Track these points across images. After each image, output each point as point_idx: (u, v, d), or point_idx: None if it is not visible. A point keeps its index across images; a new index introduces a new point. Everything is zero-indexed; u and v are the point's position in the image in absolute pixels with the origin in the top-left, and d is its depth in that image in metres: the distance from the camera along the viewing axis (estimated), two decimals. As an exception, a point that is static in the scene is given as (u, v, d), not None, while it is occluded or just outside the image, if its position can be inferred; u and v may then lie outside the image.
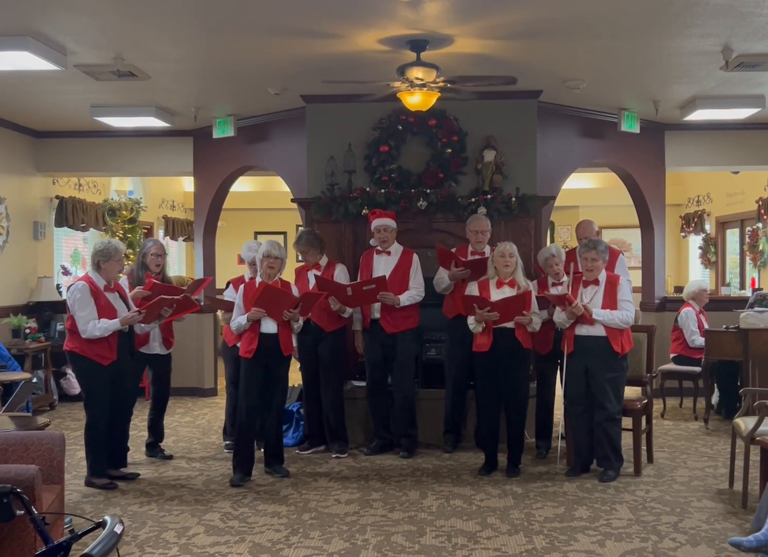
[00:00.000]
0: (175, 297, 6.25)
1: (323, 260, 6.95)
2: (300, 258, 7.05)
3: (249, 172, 10.00)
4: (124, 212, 10.47)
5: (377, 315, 6.83)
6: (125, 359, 6.12)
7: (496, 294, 6.19)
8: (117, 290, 6.14)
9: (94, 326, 5.85)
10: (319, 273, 6.82)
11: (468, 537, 4.89)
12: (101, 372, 5.94)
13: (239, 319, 6.11)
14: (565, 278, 6.49)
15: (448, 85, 6.24)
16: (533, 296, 6.24)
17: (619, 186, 10.18)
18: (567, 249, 7.49)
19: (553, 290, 6.52)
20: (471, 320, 6.20)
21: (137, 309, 6.07)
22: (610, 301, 6.03)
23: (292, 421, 7.31)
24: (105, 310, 5.93)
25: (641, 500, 5.62)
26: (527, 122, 7.89)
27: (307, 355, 6.90)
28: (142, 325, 6.26)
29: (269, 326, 6.07)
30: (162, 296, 6.16)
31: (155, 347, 6.77)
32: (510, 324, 6.12)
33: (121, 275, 6.66)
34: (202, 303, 9.20)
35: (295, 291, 6.28)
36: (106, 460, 6.09)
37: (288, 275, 6.44)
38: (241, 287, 6.28)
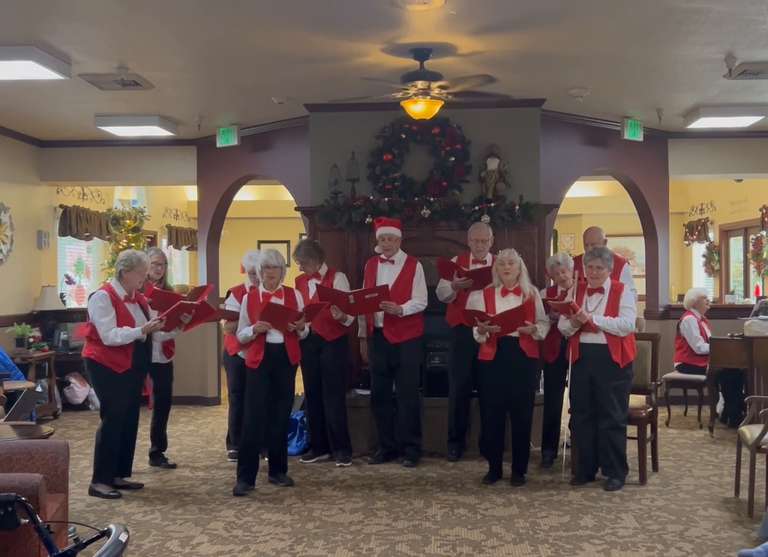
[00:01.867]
0: (194, 302, 6.29)
1: (323, 270, 6.94)
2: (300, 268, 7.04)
3: (252, 181, 10.02)
4: (127, 221, 10.48)
5: (380, 324, 6.82)
6: (140, 368, 6.15)
7: (501, 302, 6.18)
8: (138, 301, 6.17)
9: (116, 333, 5.88)
10: (319, 282, 6.81)
11: (473, 546, 4.87)
12: (116, 380, 5.96)
13: (245, 330, 6.10)
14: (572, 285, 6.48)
15: (450, 96, 6.24)
16: (540, 303, 6.23)
17: (622, 194, 10.18)
18: (573, 257, 7.48)
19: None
20: (475, 331, 6.19)
21: (158, 317, 6.09)
22: (614, 309, 6.01)
23: (296, 430, 7.30)
24: (124, 319, 5.97)
25: (647, 509, 5.60)
26: (530, 131, 7.89)
27: (309, 364, 6.87)
28: (162, 333, 6.29)
29: (275, 336, 6.07)
30: (182, 302, 6.19)
31: (155, 356, 6.75)
32: (514, 334, 6.11)
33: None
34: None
35: (298, 297, 6.27)
36: (115, 468, 6.09)
37: (288, 283, 6.42)
38: (245, 297, 6.27)
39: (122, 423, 6.05)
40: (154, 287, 6.67)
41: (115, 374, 5.95)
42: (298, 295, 6.33)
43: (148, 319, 6.17)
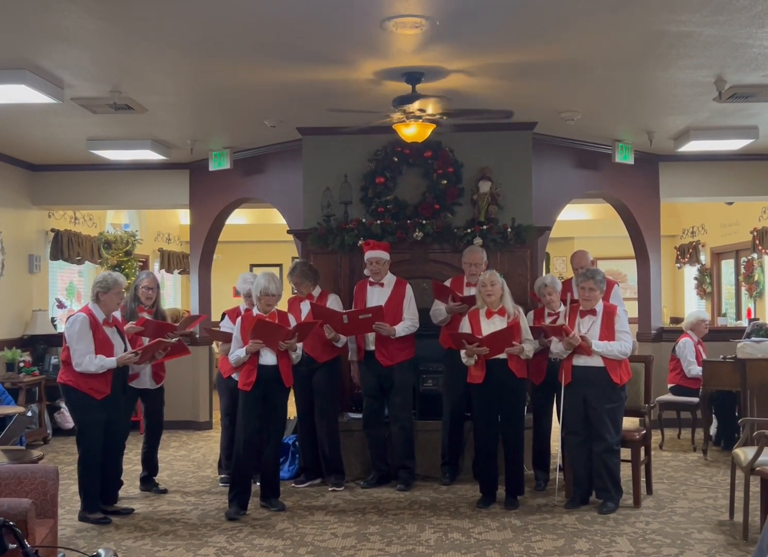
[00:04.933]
0: (171, 341, 6.25)
1: (316, 291, 6.93)
2: (294, 290, 7.03)
3: (245, 204, 10.01)
4: (119, 245, 10.45)
5: (372, 347, 6.80)
6: (118, 393, 6.08)
7: (486, 324, 6.18)
8: (115, 324, 6.12)
9: (90, 362, 5.81)
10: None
11: (467, 571, 4.83)
12: (95, 406, 5.89)
13: (238, 352, 6.08)
14: (561, 309, 6.48)
15: (445, 118, 6.27)
16: (524, 323, 6.23)
17: (614, 217, 10.22)
18: (563, 280, 7.49)
19: (548, 320, 6.51)
20: (463, 354, 6.18)
21: (133, 351, 6.05)
22: (608, 331, 6.01)
23: (288, 454, 7.24)
24: (103, 344, 5.90)
25: (641, 532, 5.56)
26: (522, 154, 7.92)
27: (302, 387, 6.85)
28: (133, 365, 6.27)
29: (268, 358, 6.04)
30: (161, 339, 6.17)
31: (145, 381, 6.71)
32: (502, 355, 6.10)
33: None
34: (198, 335, 9.19)
35: (292, 321, 6.26)
36: (99, 495, 6.02)
37: (281, 304, 6.40)
38: (239, 319, 6.26)
39: (100, 449, 5.96)
40: (146, 318, 6.63)
41: (93, 400, 5.88)
42: (291, 318, 6.31)
43: (125, 343, 6.13)
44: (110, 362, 5.88)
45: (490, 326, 6.16)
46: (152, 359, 6.27)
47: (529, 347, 6.16)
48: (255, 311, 6.18)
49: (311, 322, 6.36)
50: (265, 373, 6.03)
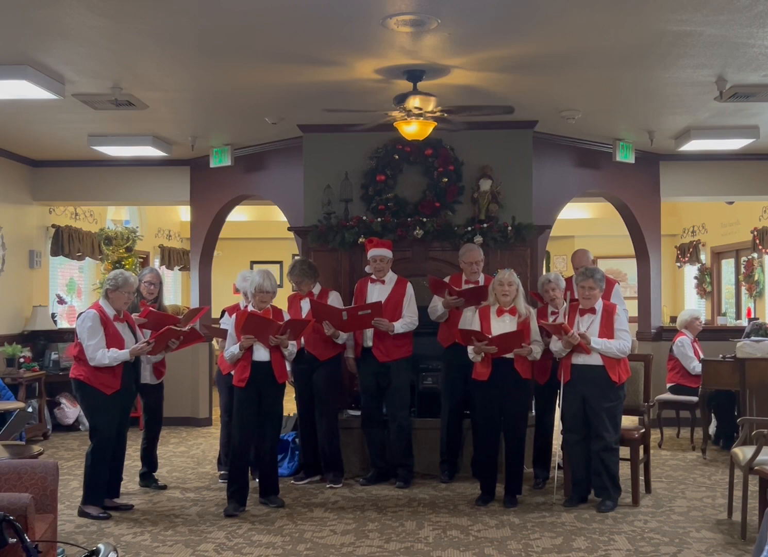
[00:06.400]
0: (183, 329, 6.27)
1: (316, 289, 6.93)
2: (295, 288, 7.03)
3: (245, 201, 10.02)
4: (120, 241, 10.46)
5: (369, 343, 6.80)
6: (129, 388, 6.12)
7: (496, 322, 6.17)
8: (126, 320, 6.15)
9: (104, 355, 5.85)
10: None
11: (465, 568, 4.83)
12: (105, 401, 5.93)
13: (232, 348, 6.09)
14: (563, 305, 6.48)
15: (446, 115, 6.27)
16: (534, 324, 6.23)
17: (614, 216, 10.22)
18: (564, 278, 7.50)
19: (550, 320, 6.51)
20: (470, 350, 6.18)
21: (146, 340, 6.07)
22: (607, 330, 6.02)
23: (288, 451, 7.25)
24: (113, 339, 5.94)
25: (639, 530, 5.57)
26: (523, 152, 7.93)
27: (302, 384, 6.86)
28: (149, 356, 6.27)
29: (261, 354, 6.05)
30: (171, 327, 6.17)
31: (146, 376, 6.72)
32: (509, 354, 6.10)
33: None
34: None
35: (286, 317, 6.26)
36: (105, 489, 6.04)
37: (281, 303, 6.40)
38: (234, 316, 6.27)
39: (112, 444, 6.01)
40: (150, 308, 6.65)
41: (104, 395, 5.91)
42: (286, 316, 6.31)
43: (135, 338, 6.15)
44: (123, 354, 5.92)
45: (499, 324, 6.16)
46: (167, 349, 6.29)
47: (537, 348, 6.16)
48: (250, 308, 6.19)
49: (304, 320, 6.36)
50: (258, 369, 6.03)
